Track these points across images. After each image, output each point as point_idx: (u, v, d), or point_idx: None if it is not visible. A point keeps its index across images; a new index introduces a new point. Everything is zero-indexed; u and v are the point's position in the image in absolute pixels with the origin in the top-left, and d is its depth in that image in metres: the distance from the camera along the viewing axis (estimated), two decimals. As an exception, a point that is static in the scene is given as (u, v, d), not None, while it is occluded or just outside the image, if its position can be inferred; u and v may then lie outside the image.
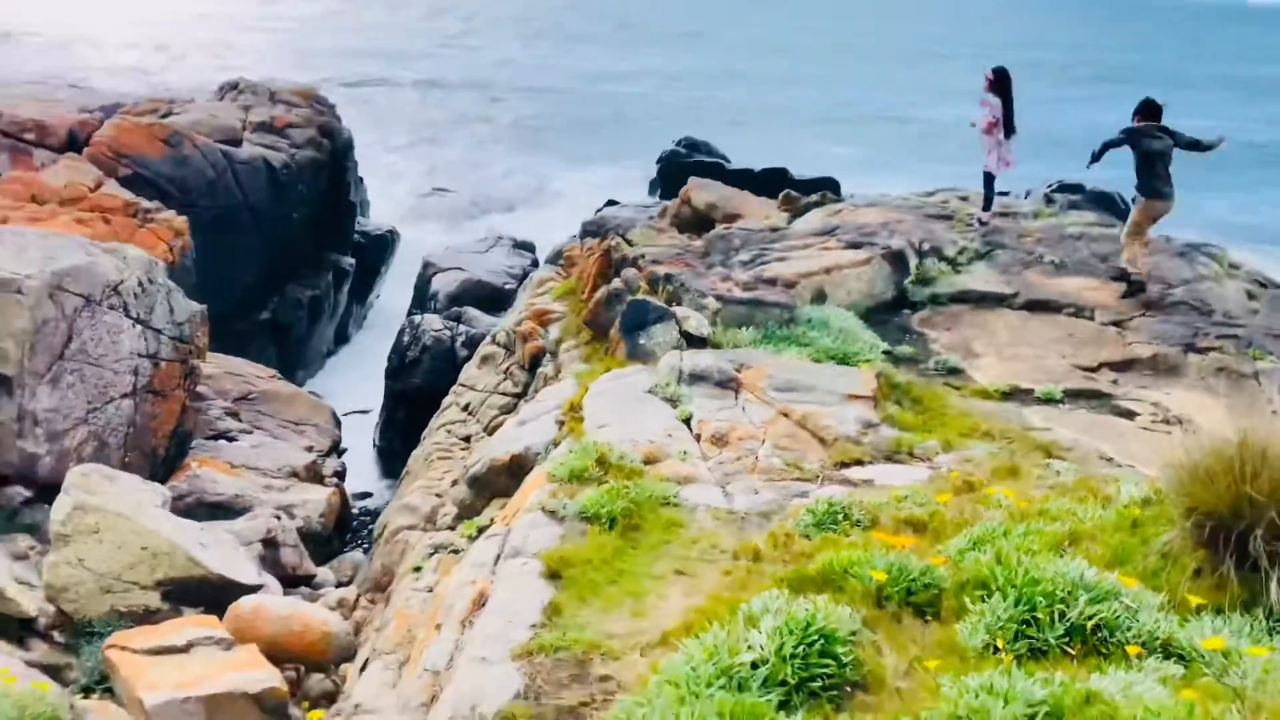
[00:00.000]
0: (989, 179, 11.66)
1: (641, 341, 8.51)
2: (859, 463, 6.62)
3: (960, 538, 4.96)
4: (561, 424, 7.24)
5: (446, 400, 10.94)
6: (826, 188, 25.67)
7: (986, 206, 11.82)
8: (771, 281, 9.33)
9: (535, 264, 20.65)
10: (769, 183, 25.37)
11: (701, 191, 13.61)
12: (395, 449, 15.18)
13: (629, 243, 10.63)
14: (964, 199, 13.14)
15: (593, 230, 14.25)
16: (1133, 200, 9.72)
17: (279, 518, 8.58)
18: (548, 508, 5.60)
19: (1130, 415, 7.57)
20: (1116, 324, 9.14)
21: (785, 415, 7.07)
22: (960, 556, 4.70)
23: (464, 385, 10.80)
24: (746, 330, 8.60)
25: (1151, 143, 9.16)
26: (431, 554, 6.59)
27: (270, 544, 8.25)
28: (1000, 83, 11.22)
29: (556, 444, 6.96)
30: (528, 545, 5.20)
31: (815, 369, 7.82)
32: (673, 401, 7.21)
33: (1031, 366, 8.45)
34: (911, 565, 4.40)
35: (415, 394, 16.00)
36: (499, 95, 52.34)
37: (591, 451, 6.24)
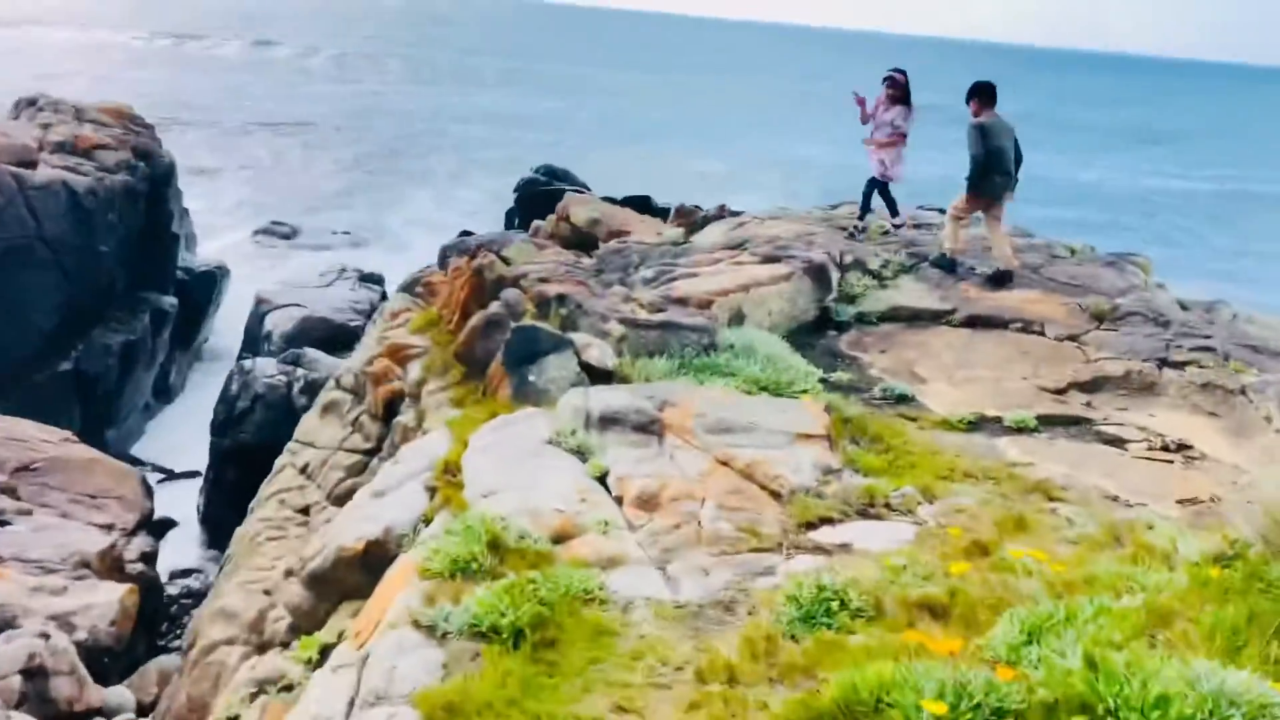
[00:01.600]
0: (885, 186, 10.72)
1: (532, 378, 6.94)
2: (828, 521, 5.23)
3: (1005, 626, 3.65)
4: (433, 492, 5.58)
5: (280, 461, 9.05)
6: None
7: (894, 213, 10.86)
8: (682, 301, 7.94)
9: (385, 297, 18.73)
10: (634, 209, 24.32)
11: (581, 207, 12.20)
12: (225, 519, 13.02)
13: (506, 261, 9.06)
14: (871, 211, 12.19)
15: (455, 250, 12.60)
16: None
17: (47, 636, 6.53)
18: (421, 620, 3.97)
19: (1120, 443, 6.50)
20: (1072, 338, 8.17)
21: (726, 464, 5.63)
22: (1015, 654, 3.42)
23: (302, 441, 8.94)
24: (659, 359, 7.16)
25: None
26: (255, 693, 4.77)
27: (34, 674, 6.21)
28: (907, 89, 10.39)
29: (428, 521, 5.31)
30: (394, 683, 3.56)
31: (751, 404, 6.44)
32: (581, 454, 5.67)
33: (990, 390, 7.33)
34: (972, 683, 3.02)
35: (247, 451, 13.89)
36: (343, 127, 49.93)
37: (479, 531, 4.64)
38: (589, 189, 33.19)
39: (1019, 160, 9.60)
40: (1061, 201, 36.11)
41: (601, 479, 5.46)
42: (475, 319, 7.82)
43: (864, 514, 5.39)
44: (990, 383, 7.46)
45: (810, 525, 5.21)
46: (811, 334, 8.60)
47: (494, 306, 7.80)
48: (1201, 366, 7.32)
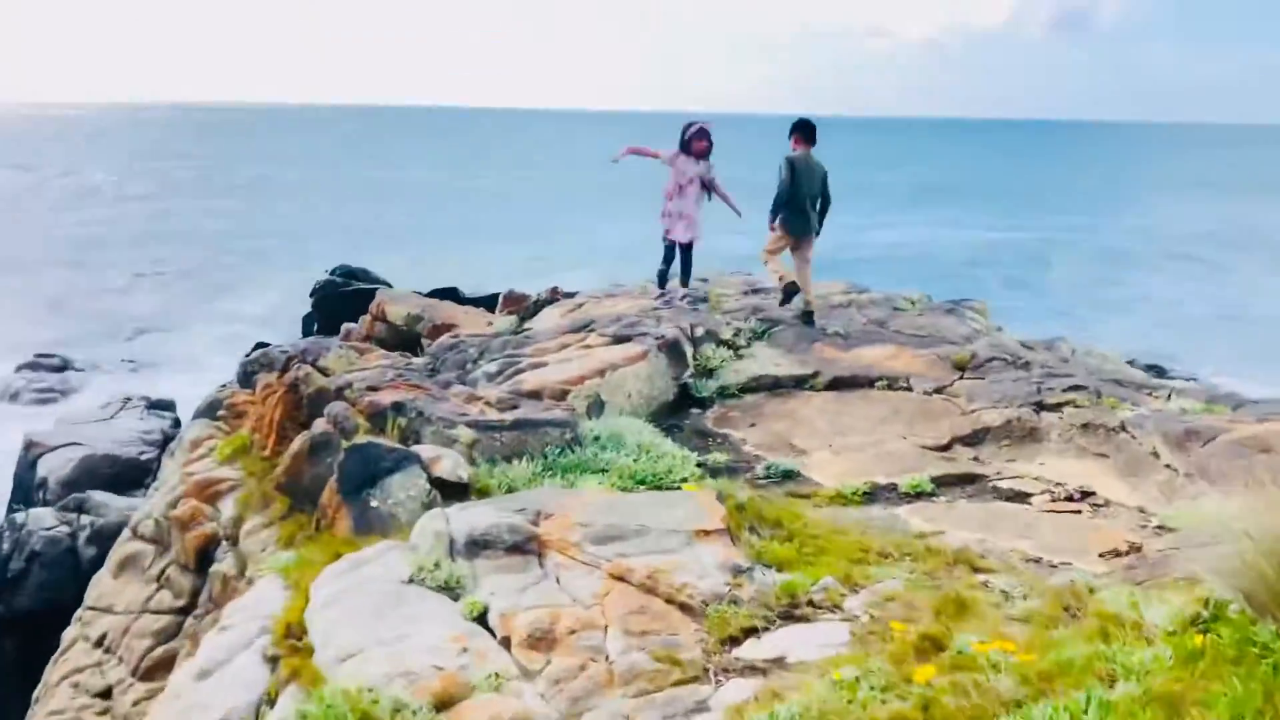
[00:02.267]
0: (687, 250, 10.53)
1: (375, 504, 6.00)
2: (751, 632, 4.57)
3: (1003, 746, 3.13)
4: (275, 662, 4.55)
5: (68, 634, 7.59)
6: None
7: (686, 279, 10.65)
8: (534, 395, 7.21)
9: (179, 425, 16.90)
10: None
11: (398, 304, 11.31)
12: (5, 709, 11.02)
13: (324, 371, 8.07)
14: (704, 280, 11.91)
15: (261, 365, 11.35)
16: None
17: None
18: None
19: (1022, 497, 6.21)
20: (940, 391, 7.97)
21: (622, 579, 4.89)
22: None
23: (95, 608, 7.52)
24: (519, 463, 6.38)
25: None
26: None
27: None
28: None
29: (273, 700, 4.28)
30: None
31: (635, 502, 5.74)
32: (451, 590, 4.80)
33: (874, 455, 6.95)
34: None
35: (27, 621, 11.92)
36: (123, 246, 46.58)
37: (343, 710, 3.71)
38: (390, 285, 32.02)
39: (827, 204, 9.74)
40: (871, 261, 37.85)
41: (481, 619, 4.60)
42: (298, 442, 6.79)
43: (788, 617, 4.75)
44: (871, 446, 7.09)
45: (733, 640, 4.53)
46: (675, 413, 8.05)
47: (318, 425, 6.80)
48: (1077, 406, 7.23)
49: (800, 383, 8.31)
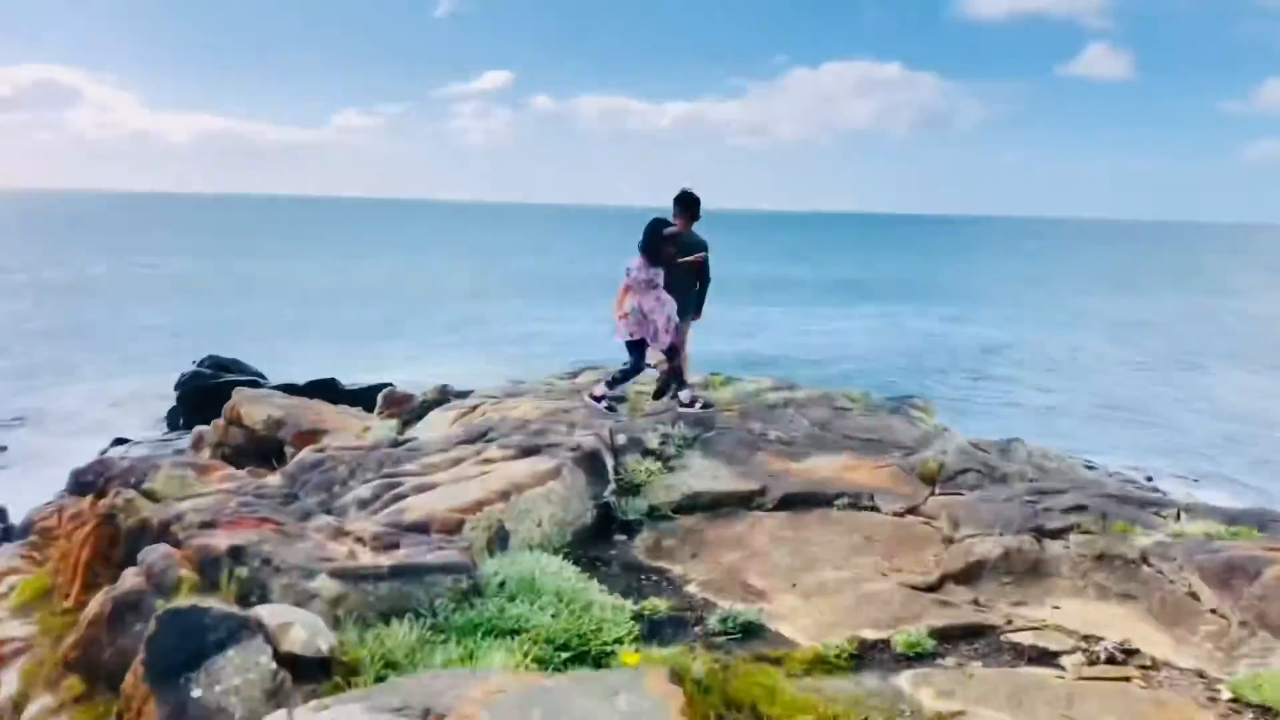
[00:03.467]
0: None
1: (198, 693, 4.30)
2: None
3: None
4: None
5: None
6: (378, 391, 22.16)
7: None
8: (421, 528, 5.64)
9: (9, 536, 14.37)
10: (318, 398, 21.58)
11: (257, 405, 9.57)
12: None
13: (151, 496, 6.34)
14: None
15: (88, 482, 9.38)
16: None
17: None
18: None
19: (1048, 658, 4.93)
20: (912, 511, 6.73)
21: (552, 827, 3.36)
22: None
23: None
24: (401, 624, 4.79)
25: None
26: None
27: None
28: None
29: None
30: None
31: (559, 690, 4.21)
32: None
33: (853, 600, 5.60)
34: None
35: None
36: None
37: None
38: (264, 378, 29.67)
39: (705, 283, 9.27)
40: (789, 355, 37.30)
41: None
42: (96, 604, 5.05)
43: None
44: (846, 586, 5.74)
45: None
46: (596, 542, 6.58)
47: (127, 578, 5.07)
48: (1084, 531, 6.06)
49: (746, 501, 6.96)
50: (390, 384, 21.75)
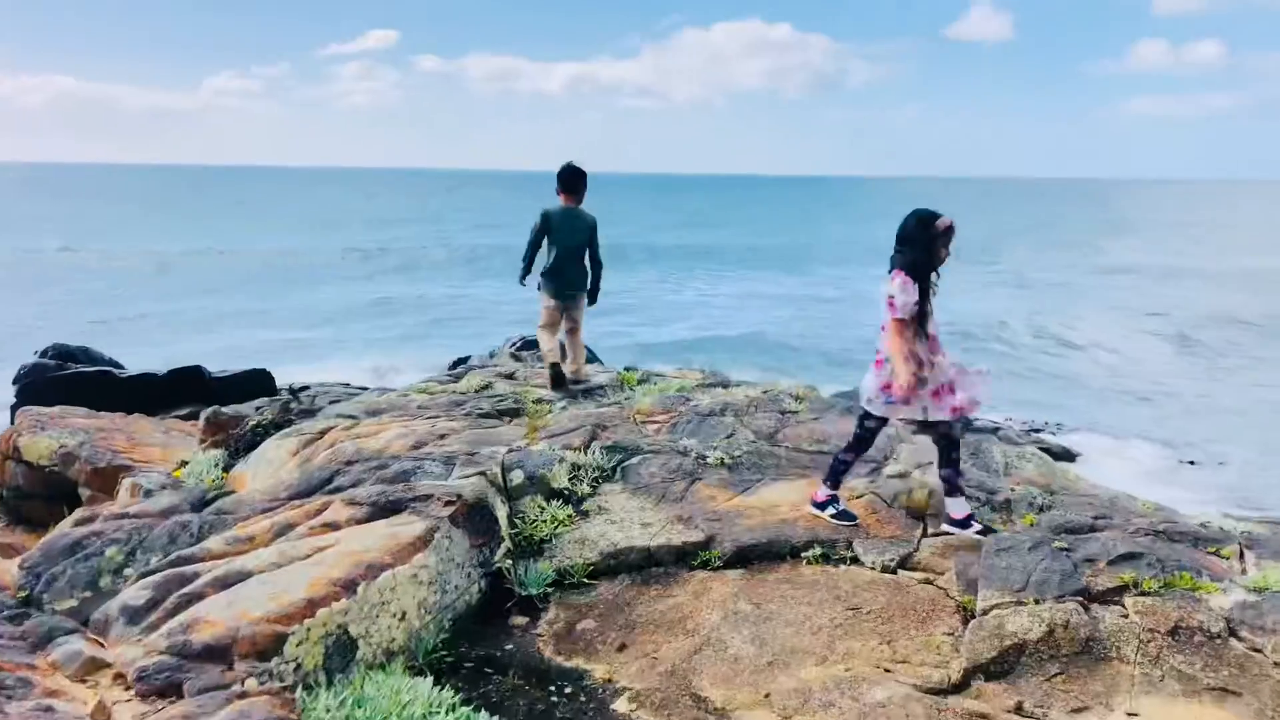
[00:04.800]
0: None
1: None
2: None
3: None
4: None
5: None
6: (258, 383, 19.71)
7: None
8: (217, 651, 3.78)
9: None
10: (182, 389, 19.08)
11: (42, 435, 7.48)
12: None
13: None
14: (510, 373, 8.73)
15: None
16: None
17: None
18: None
19: (1153, 812, 3.39)
20: (905, 564, 5.15)
21: None
22: None
23: None
24: None
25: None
26: None
27: None
28: None
29: None
30: None
31: None
32: None
33: (852, 713, 3.99)
34: None
35: None
36: None
37: None
38: (120, 367, 26.79)
39: (596, 264, 8.25)
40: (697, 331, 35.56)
41: None
42: None
43: None
44: (839, 693, 4.12)
45: None
46: (486, 631, 4.82)
47: None
48: (1143, 591, 4.56)
49: (687, 557, 5.28)
50: (264, 370, 19.38)
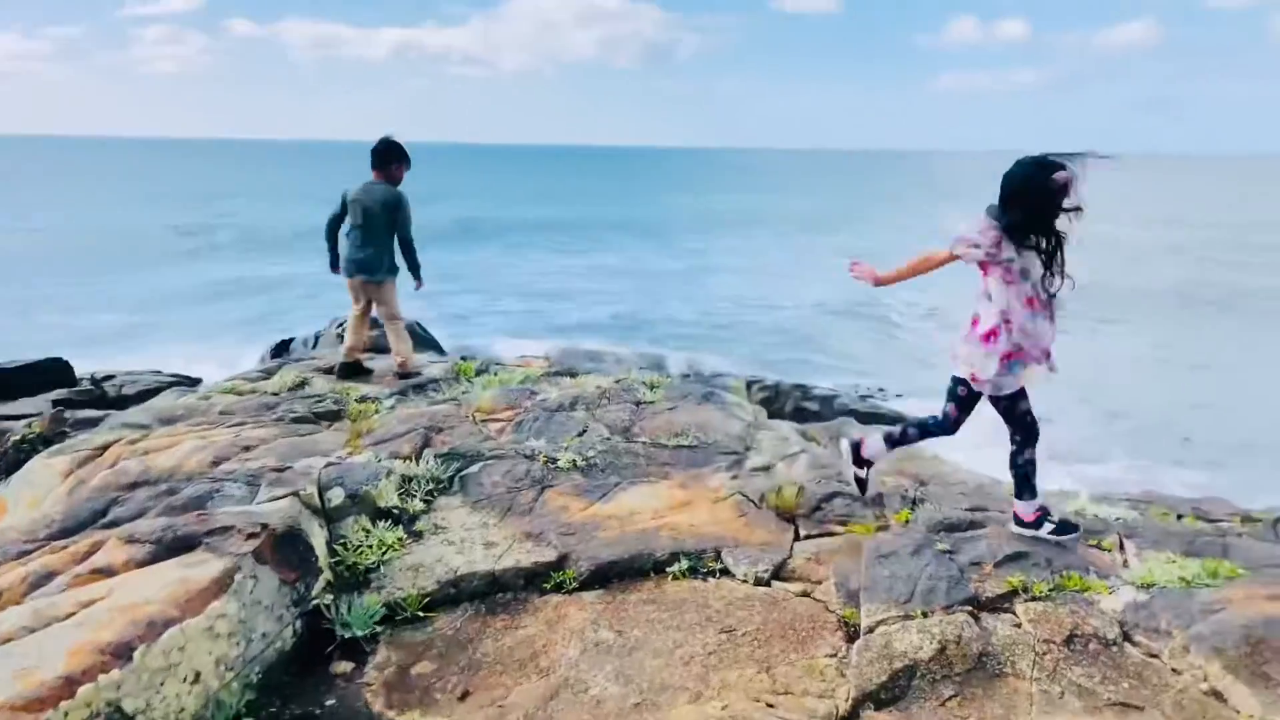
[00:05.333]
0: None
1: None
2: None
3: None
4: None
5: None
6: (52, 374, 17.77)
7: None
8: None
9: None
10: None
11: None
12: None
13: None
14: (330, 367, 7.87)
15: None
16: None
17: None
18: None
19: None
20: (779, 574, 4.72)
21: None
22: None
23: None
24: None
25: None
26: None
27: None
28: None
29: None
30: None
31: None
32: None
33: (732, 763, 3.51)
34: None
35: None
36: None
37: None
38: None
39: (406, 245, 7.57)
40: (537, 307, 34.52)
41: None
42: None
43: None
44: (719, 738, 3.64)
45: None
46: (302, 683, 4.10)
47: None
48: (1033, 596, 4.26)
49: (537, 579, 4.69)
50: (59, 359, 17.47)
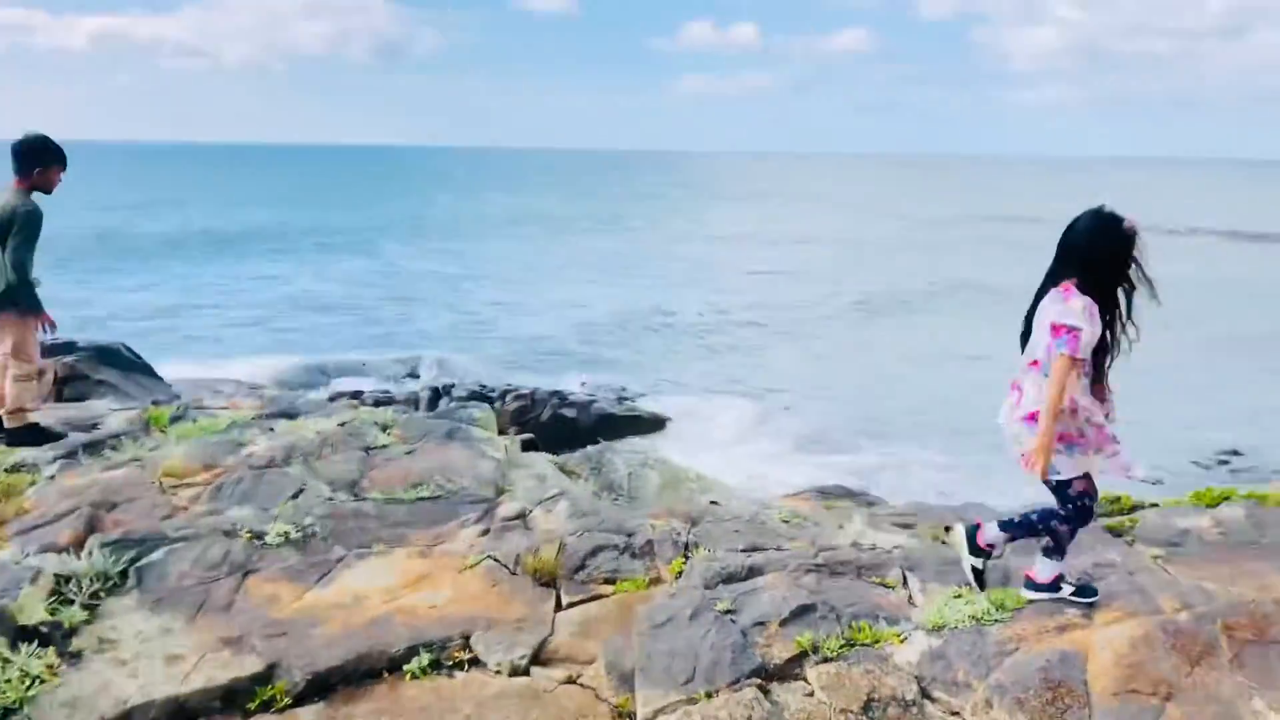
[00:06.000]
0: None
1: None
2: None
3: None
4: None
5: None
6: None
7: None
8: None
9: None
10: None
11: None
12: None
13: None
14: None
15: None
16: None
17: None
18: None
19: None
20: (537, 658, 4.05)
21: None
22: None
23: None
24: None
25: None
26: None
27: None
28: None
29: None
30: None
31: None
32: None
33: None
34: None
35: None
36: None
37: None
38: None
39: (17, 267, 6.01)
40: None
41: None
42: None
43: None
44: None
45: None
46: None
47: None
48: (825, 658, 3.82)
49: (238, 698, 3.78)
50: None
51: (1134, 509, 6.57)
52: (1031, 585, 4.23)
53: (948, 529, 4.70)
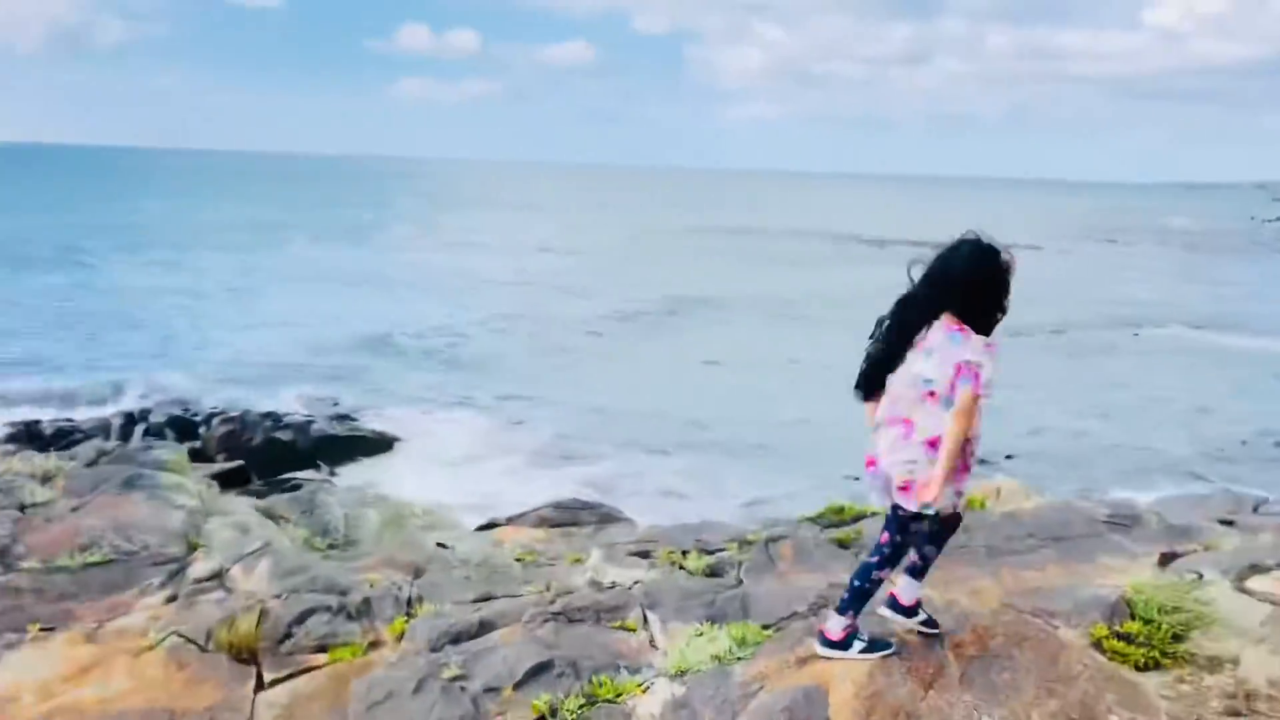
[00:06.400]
0: None
1: None
2: None
3: None
4: None
5: None
6: None
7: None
8: None
9: None
10: None
11: None
12: None
13: None
14: None
15: None
16: None
17: None
18: None
19: None
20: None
21: None
22: None
23: None
24: None
25: None
26: None
27: None
28: None
29: None
30: None
31: None
32: None
33: None
34: None
35: None
36: None
37: None
38: None
39: None
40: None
41: None
42: None
43: None
44: None
45: None
46: None
47: None
48: (566, 725, 3.52)
49: None
50: None
51: (857, 518, 6.78)
52: (825, 643, 4.14)
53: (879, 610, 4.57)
